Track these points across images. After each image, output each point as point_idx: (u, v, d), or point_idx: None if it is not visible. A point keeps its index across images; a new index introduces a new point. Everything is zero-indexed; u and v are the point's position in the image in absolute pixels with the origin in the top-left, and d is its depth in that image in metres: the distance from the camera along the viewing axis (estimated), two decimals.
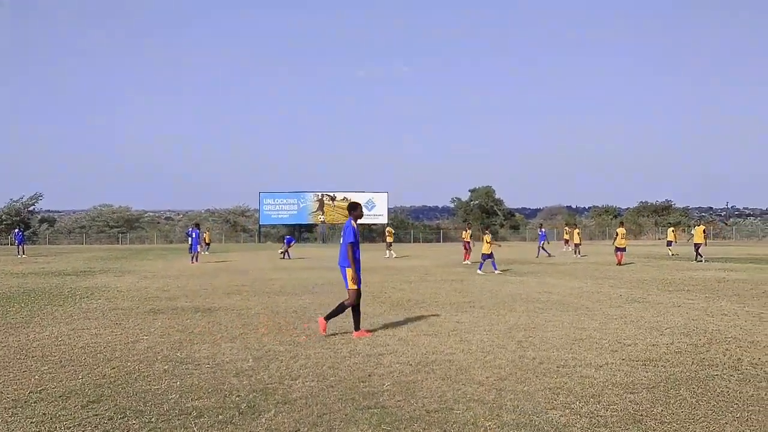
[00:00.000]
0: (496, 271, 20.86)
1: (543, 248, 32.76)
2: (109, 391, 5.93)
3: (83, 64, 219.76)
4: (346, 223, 9.04)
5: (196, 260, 28.67)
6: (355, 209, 9.26)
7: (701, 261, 26.42)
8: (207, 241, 43.57)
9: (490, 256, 21.75)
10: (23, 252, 37.65)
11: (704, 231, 28.39)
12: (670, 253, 32.87)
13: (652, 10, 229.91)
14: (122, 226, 76.10)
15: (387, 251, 34.72)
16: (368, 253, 37.87)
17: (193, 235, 29.46)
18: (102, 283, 18.04)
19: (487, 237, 22.61)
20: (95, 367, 6.94)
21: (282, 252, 33.53)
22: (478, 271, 20.92)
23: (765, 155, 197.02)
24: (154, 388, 6.02)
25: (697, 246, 27.57)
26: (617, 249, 25.58)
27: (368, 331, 9.05)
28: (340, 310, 8.92)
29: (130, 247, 58.67)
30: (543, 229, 34.96)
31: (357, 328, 8.92)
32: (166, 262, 29.74)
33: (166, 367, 6.94)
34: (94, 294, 14.81)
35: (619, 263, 24.98)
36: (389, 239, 36.07)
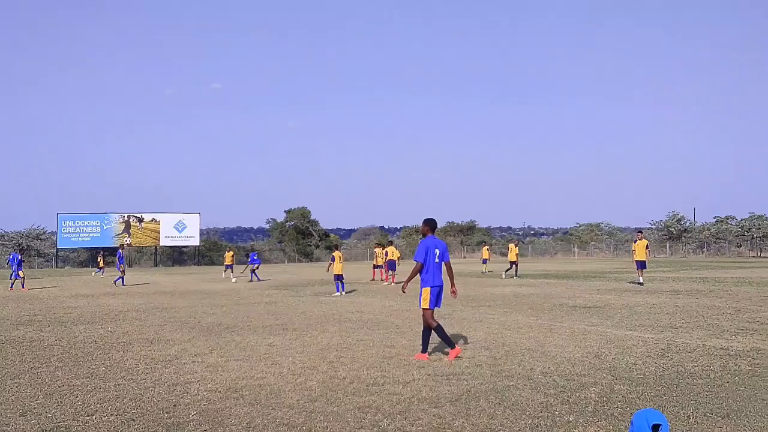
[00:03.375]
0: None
1: (254, 272, 31.23)
2: None
3: None
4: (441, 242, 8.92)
5: (23, 286, 26.36)
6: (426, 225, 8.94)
7: (515, 277, 28.30)
8: (101, 265, 41.61)
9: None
10: None
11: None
12: (484, 270, 34.70)
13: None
14: None
15: (225, 273, 33.26)
16: (178, 276, 36.37)
17: (16, 261, 27.16)
18: None
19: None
20: None
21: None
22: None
23: (554, 181, 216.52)
24: None
25: (514, 263, 29.38)
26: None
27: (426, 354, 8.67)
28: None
29: None
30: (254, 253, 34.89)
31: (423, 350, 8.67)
32: None
33: None
34: None
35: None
36: (228, 261, 34.06)
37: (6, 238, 73.71)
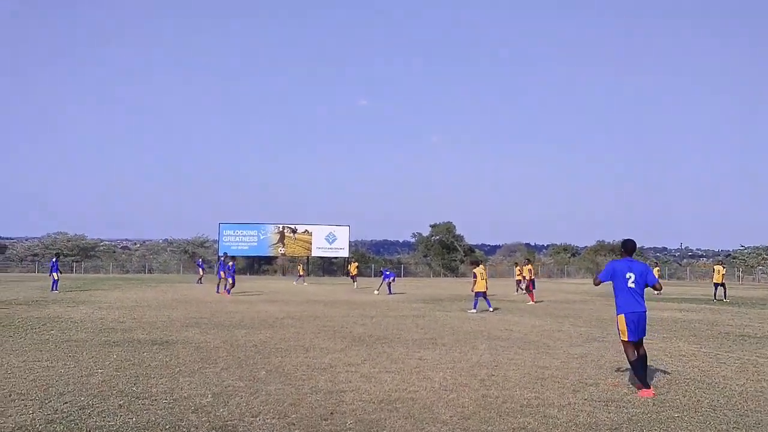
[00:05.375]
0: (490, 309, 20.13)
1: (390, 286, 30.96)
2: (62, 427, 5.72)
3: (32, 81, 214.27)
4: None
5: (227, 291, 28.33)
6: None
7: (722, 300, 27.17)
8: (301, 273, 46.34)
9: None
10: None
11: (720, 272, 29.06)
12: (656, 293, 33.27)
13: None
14: (77, 255, 74.28)
15: (354, 283, 37.66)
16: (328, 287, 37.63)
17: (227, 269, 29.57)
18: (55, 313, 17.53)
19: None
20: (47, 401, 6.70)
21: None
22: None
23: (716, 198, 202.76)
24: (108, 425, 5.82)
25: (719, 285, 28.38)
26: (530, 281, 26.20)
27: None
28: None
29: (84, 276, 57.24)
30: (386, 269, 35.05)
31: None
32: (121, 293, 29.09)
33: (121, 402, 6.73)
34: (46, 325, 14.37)
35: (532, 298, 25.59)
36: (353, 272, 38.51)
37: (174, 245, 79.64)
